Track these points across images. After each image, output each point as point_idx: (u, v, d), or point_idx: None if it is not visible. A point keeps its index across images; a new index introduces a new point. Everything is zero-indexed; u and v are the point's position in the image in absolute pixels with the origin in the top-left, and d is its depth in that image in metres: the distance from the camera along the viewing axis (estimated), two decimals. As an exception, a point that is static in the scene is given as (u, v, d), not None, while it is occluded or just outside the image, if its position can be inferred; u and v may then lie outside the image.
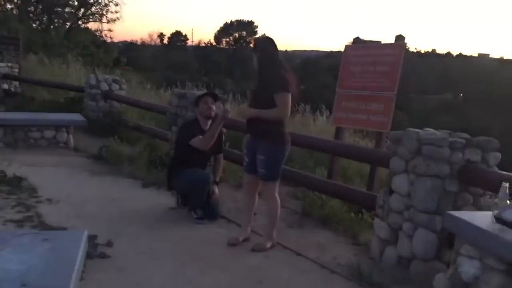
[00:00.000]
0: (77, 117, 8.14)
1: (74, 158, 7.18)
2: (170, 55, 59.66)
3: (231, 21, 75.81)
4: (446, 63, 66.57)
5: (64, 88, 11.59)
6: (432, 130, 3.84)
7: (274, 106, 3.76)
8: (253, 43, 4.07)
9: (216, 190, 4.61)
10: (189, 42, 75.94)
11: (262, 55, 3.84)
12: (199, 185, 4.37)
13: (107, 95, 9.57)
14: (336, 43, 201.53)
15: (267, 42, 3.93)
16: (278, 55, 3.88)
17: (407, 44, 5.69)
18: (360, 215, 4.80)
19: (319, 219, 4.81)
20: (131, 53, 46.93)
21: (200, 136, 4.35)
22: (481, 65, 62.25)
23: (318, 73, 62.71)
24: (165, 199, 5.13)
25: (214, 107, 4.46)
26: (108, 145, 7.09)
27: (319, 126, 8.76)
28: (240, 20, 76.07)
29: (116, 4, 30.01)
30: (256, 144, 3.92)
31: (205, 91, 4.98)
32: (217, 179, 4.71)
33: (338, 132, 6.31)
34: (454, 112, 38.13)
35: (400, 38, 5.78)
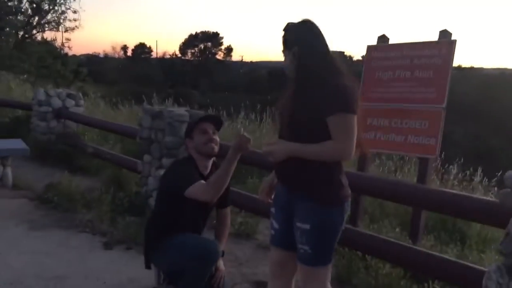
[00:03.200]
0: (16, 144, 6.15)
1: (10, 201, 5.22)
2: (135, 68, 57.61)
3: (196, 32, 74.64)
4: None
5: (5, 105, 9.64)
6: None
7: (325, 137, 2.23)
8: (284, 34, 2.37)
9: (221, 264, 2.95)
10: (154, 54, 74.33)
11: (303, 52, 2.30)
12: (201, 261, 2.70)
13: (60, 114, 7.84)
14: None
15: (310, 31, 2.34)
16: (330, 50, 2.36)
17: (456, 43, 4.32)
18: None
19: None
20: (93, 66, 44.76)
21: (202, 181, 2.71)
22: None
23: (283, 84, 61.67)
24: (139, 271, 3.36)
25: (217, 138, 2.89)
26: (58, 182, 5.35)
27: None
28: (205, 31, 74.98)
29: (75, 12, 27.98)
30: (294, 202, 2.34)
31: (202, 112, 3.24)
32: (223, 247, 3.02)
33: (362, 160, 4.86)
34: None
35: (445, 34, 4.38)
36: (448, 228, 4.99)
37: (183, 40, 74.11)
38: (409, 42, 4.65)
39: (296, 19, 2.39)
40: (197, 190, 2.64)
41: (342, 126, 2.20)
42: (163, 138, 4.80)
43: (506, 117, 36.03)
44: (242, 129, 2.77)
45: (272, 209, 2.50)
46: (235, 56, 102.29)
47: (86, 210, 4.68)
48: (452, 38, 4.35)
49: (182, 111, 4.82)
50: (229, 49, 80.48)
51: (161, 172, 4.79)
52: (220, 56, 76.81)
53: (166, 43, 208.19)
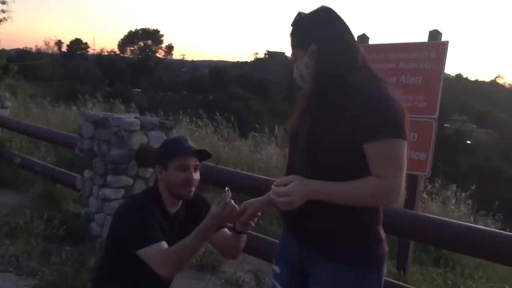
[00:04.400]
0: None
1: None
2: (70, 64, 54.86)
3: (136, 29, 72.59)
4: None
5: None
6: None
7: (358, 170, 1.57)
8: (294, 29, 1.69)
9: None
10: (91, 51, 71.47)
11: (323, 51, 1.63)
12: None
13: (-18, 117, 6.76)
14: (243, 52, 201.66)
15: (330, 21, 1.67)
16: (359, 47, 1.71)
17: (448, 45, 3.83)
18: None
19: None
20: (25, 61, 42.09)
21: (163, 246, 1.95)
22: None
23: (226, 83, 61.26)
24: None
25: (198, 177, 2.16)
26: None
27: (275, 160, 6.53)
28: (145, 28, 73.10)
29: (3, 2, 25.87)
30: (310, 261, 1.68)
31: (178, 136, 2.34)
32: None
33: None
34: None
35: (435, 35, 3.88)
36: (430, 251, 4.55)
37: (122, 37, 72.03)
38: (394, 43, 4.12)
39: (308, 9, 1.73)
40: (153, 256, 1.91)
41: (389, 156, 1.54)
42: (108, 151, 3.99)
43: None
44: (226, 188, 1.90)
45: (276, 268, 1.80)
46: (176, 55, 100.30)
47: (10, 241, 3.77)
48: (443, 39, 3.86)
49: (131, 118, 4.04)
50: (170, 47, 78.85)
51: (106, 192, 3.99)
52: (160, 54, 75.09)
53: (104, 39, 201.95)
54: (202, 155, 2.15)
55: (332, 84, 1.63)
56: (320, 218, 1.63)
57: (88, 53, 70.15)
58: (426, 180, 5.69)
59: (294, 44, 1.71)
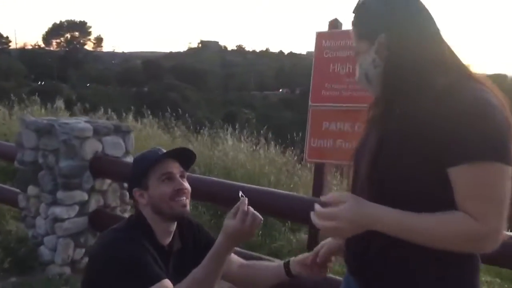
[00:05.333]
0: None
1: None
2: (-11, 60, 51.31)
3: (61, 21, 69.19)
4: (281, 61, 70.10)
5: None
6: None
7: (440, 200, 1.16)
8: (357, 15, 1.28)
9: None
10: (12, 45, 67.35)
11: (396, 43, 1.22)
12: None
13: None
14: (176, 42, 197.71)
15: (404, 6, 1.24)
16: (443, 38, 1.26)
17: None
18: None
19: None
20: None
21: (167, 282, 1.48)
22: (310, 62, 67.71)
23: (160, 74, 59.70)
24: None
25: (187, 185, 1.74)
26: None
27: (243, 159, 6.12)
28: (71, 20, 69.89)
29: None
30: None
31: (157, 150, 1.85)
32: None
33: (319, 172, 3.95)
34: (293, 107, 39.28)
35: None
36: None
37: (46, 30, 68.48)
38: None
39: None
40: None
41: (485, 187, 1.13)
42: (56, 163, 3.41)
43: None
44: (240, 193, 1.38)
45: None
46: (107, 47, 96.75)
47: None
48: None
49: (82, 123, 3.46)
50: (99, 39, 75.88)
51: (57, 211, 3.41)
52: (89, 46, 72.10)
53: (27, 33, 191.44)
54: (185, 160, 1.71)
55: (407, 87, 1.22)
56: (396, 263, 1.24)
57: (10, 47, 66.14)
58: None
59: (357, 36, 1.30)
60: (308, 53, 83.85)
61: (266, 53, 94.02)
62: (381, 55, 1.25)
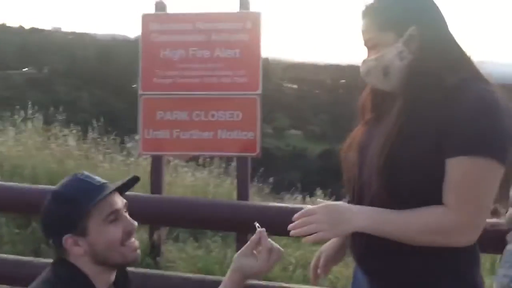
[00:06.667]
0: None
1: None
2: None
3: None
4: (23, 37, 63.69)
5: None
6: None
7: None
8: (379, 2, 1.23)
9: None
10: None
11: (427, 36, 1.21)
12: None
13: None
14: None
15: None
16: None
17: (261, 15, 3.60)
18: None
19: None
20: None
21: None
22: (57, 39, 63.41)
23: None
24: None
25: (135, 222, 1.34)
26: None
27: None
28: None
29: None
30: None
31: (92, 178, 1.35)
32: None
33: (156, 165, 3.70)
34: (41, 87, 36.73)
35: (245, 4, 3.62)
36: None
37: None
38: (203, 13, 3.69)
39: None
40: None
41: (470, 180, 1.18)
42: None
43: (123, 81, 37.98)
44: (257, 225, 1.23)
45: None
46: None
47: None
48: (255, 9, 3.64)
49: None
50: None
51: None
52: None
53: None
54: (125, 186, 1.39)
55: (428, 82, 1.21)
56: (395, 261, 1.26)
57: None
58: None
59: (379, 26, 1.22)
60: (54, 28, 77.53)
61: (3, 28, 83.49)
62: (410, 47, 1.21)
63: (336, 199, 2.33)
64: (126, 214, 1.33)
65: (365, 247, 1.30)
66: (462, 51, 1.29)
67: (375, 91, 1.36)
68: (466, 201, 1.18)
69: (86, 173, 1.34)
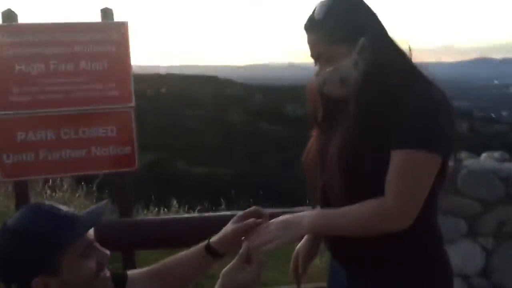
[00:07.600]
0: None
1: None
2: None
3: None
4: None
5: None
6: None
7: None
8: (323, 14, 1.26)
9: None
10: None
11: (377, 46, 1.30)
12: None
13: None
14: None
15: (369, 9, 1.34)
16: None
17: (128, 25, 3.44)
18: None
19: None
20: None
21: None
22: None
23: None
24: None
25: (107, 251, 1.16)
26: None
27: None
28: None
29: None
30: None
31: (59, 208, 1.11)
32: None
33: (21, 190, 3.30)
34: None
35: (108, 14, 3.46)
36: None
37: None
38: (63, 23, 3.41)
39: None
40: None
41: (404, 171, 1.28)
42: None
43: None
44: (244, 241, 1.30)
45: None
46: None
47: None
48: (117, 18, 3.50)
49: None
50: None
51: None
52: None
53: None
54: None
55: (378, 86, 1.30)
56: (364, 248, 1.36)
57: None
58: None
59: (331, 41, 1.26)
60: None
61: None
62: (363, 56, 1.28)
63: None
64: (97, 244, 1.19)
65: (338, 238, 1.36)
66: (405, 55, 1.41)
67: (326, 95, 1.42)
68: (401, 190, 1.28)
69: (48, 203, 1.17)
